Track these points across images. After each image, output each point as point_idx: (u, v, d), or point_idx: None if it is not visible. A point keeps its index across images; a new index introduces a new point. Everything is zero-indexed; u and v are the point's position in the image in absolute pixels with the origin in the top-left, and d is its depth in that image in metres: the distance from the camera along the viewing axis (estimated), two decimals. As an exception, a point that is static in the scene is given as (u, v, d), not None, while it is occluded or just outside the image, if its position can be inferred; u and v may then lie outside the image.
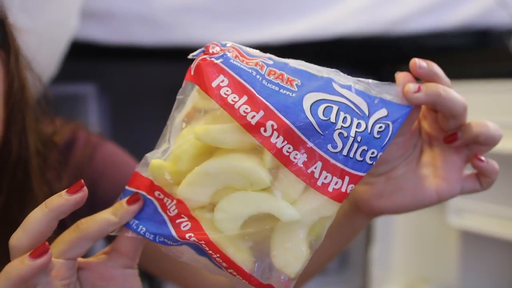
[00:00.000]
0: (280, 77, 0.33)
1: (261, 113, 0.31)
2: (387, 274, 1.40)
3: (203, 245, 0.32)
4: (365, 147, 0.32)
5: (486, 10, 1.13)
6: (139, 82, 1.70)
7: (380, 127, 0.33)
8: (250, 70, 0.33)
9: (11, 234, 0.36)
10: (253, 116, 0.31)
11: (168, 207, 0.33)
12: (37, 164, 0.42)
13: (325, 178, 0.32)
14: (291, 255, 0.32)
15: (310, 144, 0.31)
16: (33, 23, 0.69)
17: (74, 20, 0.79)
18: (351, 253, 1.66)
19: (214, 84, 0.33)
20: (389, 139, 0.33)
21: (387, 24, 1.09)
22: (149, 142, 1.68)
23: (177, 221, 0.33)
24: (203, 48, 0.35)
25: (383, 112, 0.34)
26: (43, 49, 0.74)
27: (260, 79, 0.33)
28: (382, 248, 1.38)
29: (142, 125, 1.74)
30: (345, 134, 0.32)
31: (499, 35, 1.18)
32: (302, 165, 0.31)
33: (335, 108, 0.32)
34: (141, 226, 0.33)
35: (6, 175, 0.40)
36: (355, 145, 0.32)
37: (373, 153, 0.33)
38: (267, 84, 0.33)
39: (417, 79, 0.37)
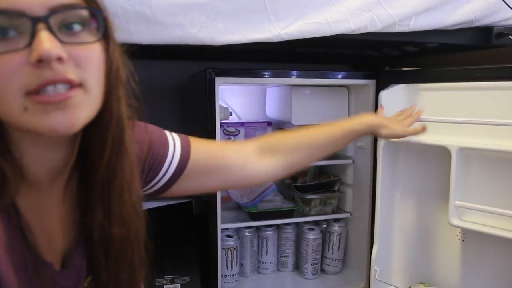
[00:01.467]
0: None
1: None
2: (388, 274, 1.39)
3: None
4: None
5: (489, 8, 1.13)
6: (138, 81, 1.69)
7: None
8: None
9: (113, 178, 0.55)
10: None
11: None
12: (128, 125, 0.57)
13: None
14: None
15: None
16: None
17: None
18: (352, 253, 1.66)
19: None
20: None
21: (388, 23, 1.08)
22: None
23: None
24: None
25: None
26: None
27: None
28: (383, 248, 1.38)
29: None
30: None
31: (502, 33, 1.17)
32: None
33: None
34: None
35: (109, 131, 0.54)
36: None
37: None
38: None
39: None
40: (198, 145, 0.75)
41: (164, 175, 0.71)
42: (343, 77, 1.45)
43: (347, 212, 1.63)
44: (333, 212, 1.63)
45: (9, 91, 0.43)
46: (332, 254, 1.65)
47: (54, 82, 0.44)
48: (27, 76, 0.43)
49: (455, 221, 1.15)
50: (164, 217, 1.58)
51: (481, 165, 1.14)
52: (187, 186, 0.74)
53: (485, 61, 1.21)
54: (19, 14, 0.43)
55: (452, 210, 1.15)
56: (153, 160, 0.69)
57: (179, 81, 1.75)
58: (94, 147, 0.54)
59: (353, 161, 1.59)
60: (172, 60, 1.72)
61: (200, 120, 1.42)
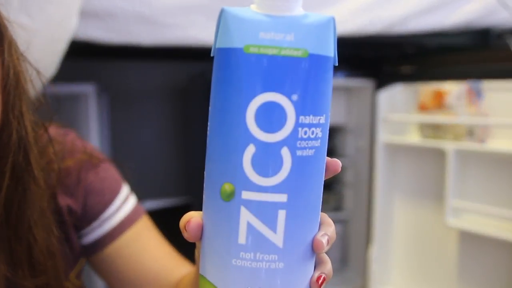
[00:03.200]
0: None
1: None
2: (387, 274, 1.40)
3: None
4: None
5: (487, 9, 1.13)
6: (138, 82, 1.70)
7: None
8: None
9: (14, 215, 0.42)
10: None
11: None
12: (35, 148, 0.44)
13: None
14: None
15: None
16: (33, 23, 0.69)
17: (74, 20, 0.78)
18: (351, 253, 1.67)
19: None
20: None
21: (388, 24, 1.09)
22: (148, 141, 1.70)
23: None
24: None
25: None
26: (43, 48, 0.74)
27: None
28: (381, 248, 1.38)
29: (141, 124, 1.74)
30: None
31: (500, 34, 1.18)
32: None
33: None
34: None
35: (8, 155, 0.42)
36: None
37: None
38: None
39: None
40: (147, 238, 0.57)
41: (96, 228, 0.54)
42: (343, 78, 1.45)
43: (346, 212, 1.64)
44: (332, 212, 1.63)
45: None
46: (331, 253, 1.66)
47: None
48: None
49: (451, 222, 1.15)
50: (163, 218, 1.58)
51: (478, 166, 1.15)
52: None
53: (483, 62, 1.21)
54: None
55: (448, 211, 1.15)
56: (89, 211, 0.54)
57: (179, 82, 1.75)
58: (8, 183, 0.42)
59: (352, 162, 1.60)
60: (172, 61, 1.72)
61: (200, 121, 1.42)
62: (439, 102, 1.22)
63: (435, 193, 1.26)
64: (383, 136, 1.32)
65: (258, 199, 0.27)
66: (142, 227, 0.57)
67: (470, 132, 1.15)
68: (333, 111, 1.60)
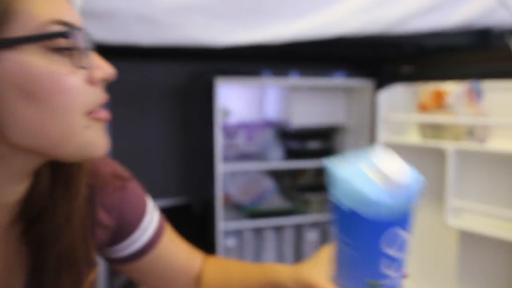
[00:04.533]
0: None
1: None
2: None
3: None
4: None
5: (487, 9, 1.13)
6: (138, 82, 1.70)
7: None
8: None
9: (58, 215, 0.47)
10: None
11: None
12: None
13: None
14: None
15: None
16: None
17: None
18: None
19: None
20: None
21: (388, 24, 1.09)
22: (148, 141, 1.70)
23: None
24: None
25: None
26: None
27: None
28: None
29: (141, 124, 1.74)
30: None
31: (500, 34, 1.18)
32: None
33: None
34: None
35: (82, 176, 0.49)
36: None
37: None
38: None
39: None
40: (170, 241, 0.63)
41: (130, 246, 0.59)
42: (343, 78, 1.46)
43: (347, 212, 1.64)
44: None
45: (74, 109, 0.41)
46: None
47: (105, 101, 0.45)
48: (89, 94, 0.43)
49: (451, 222, 1.15)
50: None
51: (478, 166, 1.15)
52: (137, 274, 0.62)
53: (483, 62, 1.21)
54: (84, 31, 0.41)
55: (448, 211, 1.15)
56: (122, 229, 0.58)
57: (179, 82, 1.75)
58: (55, 187, 0.47)
59: (352, 162, 1.60)
60: (172, 61, 1.72)
61: (200, 120, 1.42)
62: (439, 102, 1.23)
63: (435, 193, 1.26)
64: (383, 136, 1.32)
65: (390, 284, 0.46)
66: (168, 239, 0.62)
67: (470, 132, 1.15)
68: (333, 111, 1.60)
